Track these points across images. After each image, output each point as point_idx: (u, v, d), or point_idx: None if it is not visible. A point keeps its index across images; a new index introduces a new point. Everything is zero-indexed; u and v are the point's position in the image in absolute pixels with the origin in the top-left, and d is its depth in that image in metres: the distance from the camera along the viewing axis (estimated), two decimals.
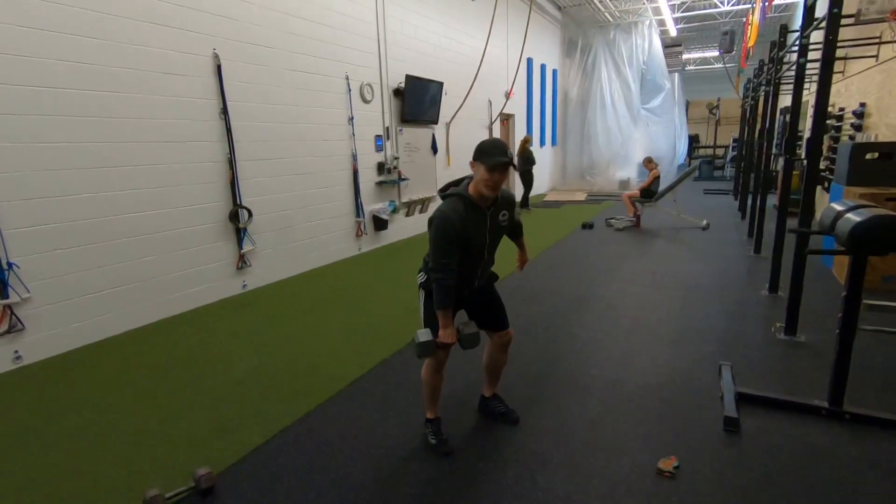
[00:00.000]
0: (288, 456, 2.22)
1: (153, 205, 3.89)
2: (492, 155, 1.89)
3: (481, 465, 2.14)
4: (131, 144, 3.71)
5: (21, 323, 3.16)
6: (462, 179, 2.09)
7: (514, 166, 1.95)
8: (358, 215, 6.10)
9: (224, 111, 4.34)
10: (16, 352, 3.17)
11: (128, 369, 3.15)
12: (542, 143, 12.59)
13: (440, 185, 2.16)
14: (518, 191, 9.76)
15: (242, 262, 4.61)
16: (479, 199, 1.98)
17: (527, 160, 9.55)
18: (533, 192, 11.82)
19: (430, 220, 2.02)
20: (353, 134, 5.90)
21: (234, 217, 4.48)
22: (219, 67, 4.26)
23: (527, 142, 9.66)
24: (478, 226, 2.00)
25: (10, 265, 3.09)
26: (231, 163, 4.42)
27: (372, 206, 6.35)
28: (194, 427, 2.47)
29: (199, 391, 2.84)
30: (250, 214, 4.62)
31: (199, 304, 4.28)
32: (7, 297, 3.08)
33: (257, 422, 2.49)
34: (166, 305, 4.03)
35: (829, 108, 6.26)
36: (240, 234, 4.57)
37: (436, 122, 7.46)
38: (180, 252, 4.10)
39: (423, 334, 2.04)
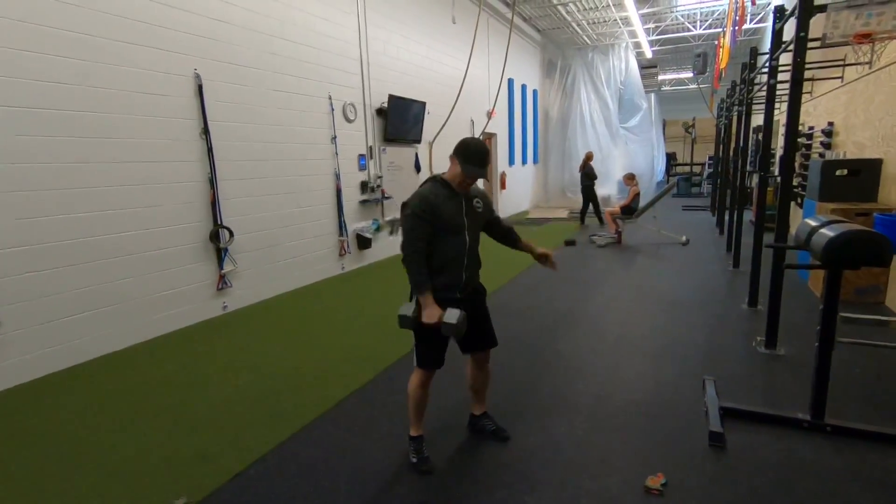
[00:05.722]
0: (270, 482, 2.16)
1: (130, 226, 3.81)
2: (472, 164, 2.06)
3: (469, 487, 2.10)
4: (109, 164, 3.65)
5: None
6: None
7: (487, 178, 2.14)
8: (341, 234, 6.07)
9: (205, 131, 4.30)
10: None
11: (102, 396, 3.04)
12: (525, 161, 12.75)
13: None
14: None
15: (223, 282, 4.53)
16: (455, 186, 2.14)
17: (588, 175, 9.67)
18: (514, 210, 11.97)
19: (405, 204, 2.10)
20: (337, 153, 5.90)
21: (214, 237, 4.42)
22: (200, 87, 4.24)
23: (589, 158, 9.82)
24: (454, 206, 2.12)
25: None
26: (212, 182, 4.37)
27: (355, 224, 6.32)
28: (172, 455, 2.39)
29: (177, 417, 2.75)
30: (231, 234, 4.56)
31: (176, 326, 4.17)
32: None
33: (238, 447, 2.42)
34: (143, 329, 3.93)
35: (800, 127, 6.47)
36: (220, 254, 4.50)
37: (419, 142, 7.51)
38: (158, 274, 4.01)
39: (407, 308, 2.07)
